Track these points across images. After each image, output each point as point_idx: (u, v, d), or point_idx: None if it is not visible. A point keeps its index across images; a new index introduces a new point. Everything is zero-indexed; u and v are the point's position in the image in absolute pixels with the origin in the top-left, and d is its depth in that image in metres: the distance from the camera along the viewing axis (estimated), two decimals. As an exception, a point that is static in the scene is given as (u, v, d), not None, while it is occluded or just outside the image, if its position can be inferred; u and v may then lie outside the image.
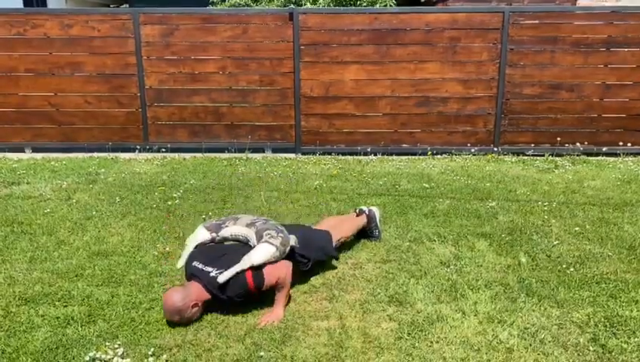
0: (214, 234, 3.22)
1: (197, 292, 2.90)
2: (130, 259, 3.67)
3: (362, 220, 3.86)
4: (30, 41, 6.71)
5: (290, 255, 3.18)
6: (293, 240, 3.23)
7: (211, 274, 2.93)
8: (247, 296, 2.96)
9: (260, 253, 2.99)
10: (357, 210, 3.96)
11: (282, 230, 3.20)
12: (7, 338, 2.74)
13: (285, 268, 3.02)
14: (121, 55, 6.74)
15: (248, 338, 2.74)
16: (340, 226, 3.68)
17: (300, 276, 3.38)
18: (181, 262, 3.21)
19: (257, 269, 2.95)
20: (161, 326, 2.86)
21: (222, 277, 2.89)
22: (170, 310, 2.82)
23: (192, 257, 3.10)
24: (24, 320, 2.91)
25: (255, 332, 2.79)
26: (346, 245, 3.82)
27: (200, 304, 2.89)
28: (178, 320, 2.85)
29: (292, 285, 3.12)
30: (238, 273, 2.91)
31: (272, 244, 3.03)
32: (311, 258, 3.31)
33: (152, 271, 3.47)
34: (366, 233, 3.92)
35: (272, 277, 2.96)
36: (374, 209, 3.97)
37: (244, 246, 3.13)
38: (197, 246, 3.20)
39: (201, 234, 3.24)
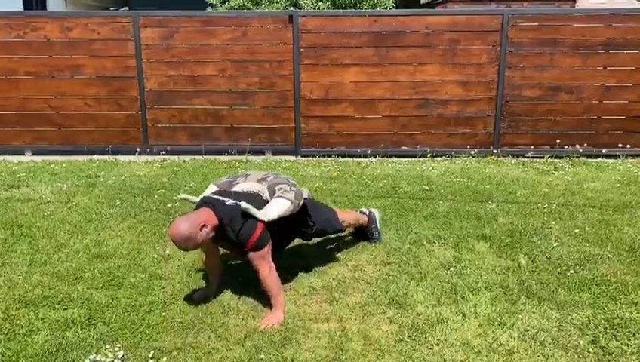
0: (225, 189, 3.21)
1: (206, 215, 2.84)
2: (130, 261, 3.67)
3: (363, 217, 3.88)
4: (30, 44, 6.72)
5: (302, 210, 3.19)
6: (306, 192, 3.28)
7: (227, 203, 2.89)
8: (241, 246, 2.92)
9: (275, 208, 2.99)
10: (358, 212, 3.97)
11: (294, 183, 3.21)
12: (7, 342, 2.74)
13: (269, 269, 2.99)
14: (121, 58, 6.74)
15: (248, 341, 2.74)
16: (342, 212, 3.72)
17: (298, 277, 3.38)
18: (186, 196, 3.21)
19: (259, 243, 2.91)
20: (161, 328, 2.86)
21: (244, 204, 2.85)
22: (179, 239, 2.73)
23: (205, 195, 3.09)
24: (24, 323, 2.91)
25: (255, 335, 2.79)
26: (346, 247, 3.83)
27: (209, 227, 2.81)
28: (193, 247, 2.81)
29: (293, 282, 3.12)
30: (253, 216, 2.89)
31: (287, 198, 3.04)
32: (317, 223, 3.33)
33: (152, 274, 3.47)
34: (366, 234, 3.92)
35: (260, 261, 2.95)
36: (374, 211, 3.97)
37: (257, 197, 3.10)
38: None
39: (211, 191, 3.21)
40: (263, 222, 2.94)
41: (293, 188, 3.14)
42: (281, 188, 3.11)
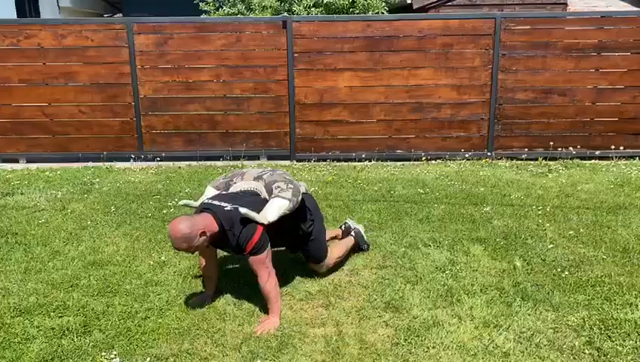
0: (224, 192, 3.22)
1: (206, 221, 2.86)
2: (126, 268, 3.66)
3: (350, 241, 3.76)
4: (24, 52, 6.71)
5: (301, 205, 3.20)
6: (303, 187, 3.27)
7: (226, 208, 2.91)
8: (240, 249, 2.94)
9: (274, 209, 3.00)
10: (342, 226, 3.94)
11: (291, 180, 3.20)
12: (2, 350, 2.73)
13: (268, 274, 2.99)
14: (115, 64, 6.74)
15: (245, 347, 2.74)
16: (333, 247, 3.60)
17: (294, 281, 3.39)
18: (187, 201, 3.22)
19: (258, 247, 2.93)
20: (157, 335, 2.85)
21: (243, 209, 2.86)
22: (177, 236, 2.75)
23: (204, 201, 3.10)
24: (19, 331, 2.90)
25: (252, 341, 2.79)
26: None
27: (208, 234, 2.84)
28: (185, 248, 2.81)
29: (289, 287, 3.12)
30: (253, 220, 2.90)
31: (285, 198, 3.04)
32: (315, 219, 3.37)
33: (148, 281, 3.46)
34: (355, 249, 3.84)
35: (259, 266, 2.96)
36: (358, 227, 3.89)
37: (256, 197, 3.13)
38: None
39: (210, 193, 3.22)
40: (262, 224, 2.94)
41: (290, 186, 3.12)
42: (278, 187, 3.10)
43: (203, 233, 2.81)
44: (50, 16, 12.12)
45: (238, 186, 3.21)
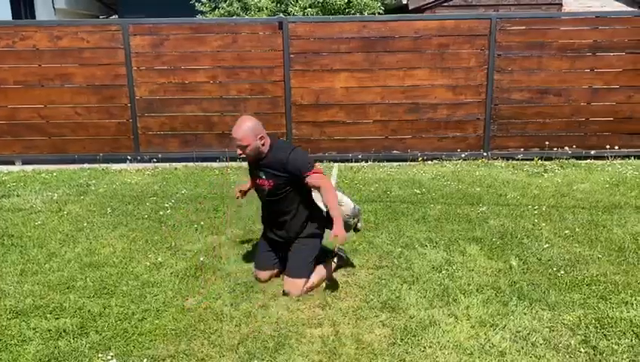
0: None
1: (268, 136, 3.30)
2: (122, 270, 3.65)
3: (330, 269, 3.51)
4: (19, 53, 6.70)
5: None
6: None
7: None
8: (296, 172, 3.21)
9: (339, 194, 3.47)
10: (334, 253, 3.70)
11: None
12: (-1, 352, 2.73)
13: (330, 185, 3.28)
14: (110, 66, 6.74)
15: (242, 347, 2.74)
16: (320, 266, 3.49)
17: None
18: None
19: (313, 165, 3.27)
20: (154, 336, 2.85)
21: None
22: (244, 123, 3.22)
23: None
24: (15, 333, 2.89)
25: (249, 341, 2.79)
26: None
27: (264, 143, 3.25)
28: (241, 142, 3.19)
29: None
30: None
31: (347, 203, 3.51)
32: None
33: (145, 282, 3.46)
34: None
35: (321, 180, 3.23)
36: (341, 253, 3.69)
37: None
38: None
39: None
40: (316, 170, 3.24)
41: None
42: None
43: (262, 137, 3.22)
44: (46, 17, 12.09)
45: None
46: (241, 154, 3.29)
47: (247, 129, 3.22)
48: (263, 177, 3.32)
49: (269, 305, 3.15)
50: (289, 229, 3.41)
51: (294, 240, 3.41)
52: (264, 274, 3.44)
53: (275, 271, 3.47)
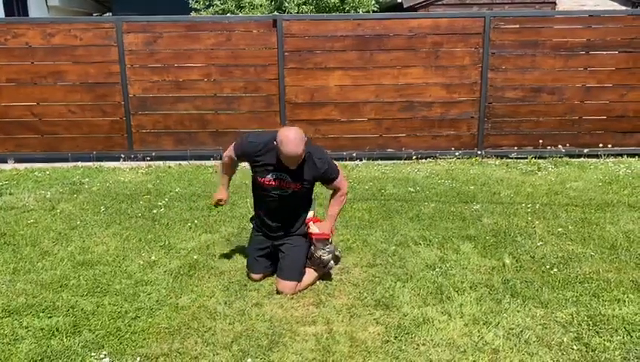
0: None
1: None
2: (116, 268, 3.64)
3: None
4: (12, 51, 6.65)
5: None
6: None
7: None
8: (326, 177, 3.37)
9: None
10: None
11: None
12: (-9, 351, 2.71)
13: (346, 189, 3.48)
14: (104, 64, 6.70)
15: (235, 346, 2.74)
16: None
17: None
18: None
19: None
20: (147, 335, 2.84)
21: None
22: (299, 139, 3.02)
23: None
24: (8, 332, 2.87)
25: (242, 339, 2.79)
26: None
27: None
28: (302, 153, 3.06)
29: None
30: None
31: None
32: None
33: (138, 280, 3.45)
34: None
35: (343, 182, 3.46)
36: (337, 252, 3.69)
37: None
38: None
39: None
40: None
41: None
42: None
43: (306, 142, 3.09)
44: (39, 15, 12.02)
45: None
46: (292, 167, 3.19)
47: (301, 141, 3.03)
48: (289, 179, 3.26)
49: (262, 303, 3.15)
50: (289, 226, 3.44)
51: (287, 236, 3.42)
52: (257, 276, 3.44)
53: (269, 271, 3.47)
